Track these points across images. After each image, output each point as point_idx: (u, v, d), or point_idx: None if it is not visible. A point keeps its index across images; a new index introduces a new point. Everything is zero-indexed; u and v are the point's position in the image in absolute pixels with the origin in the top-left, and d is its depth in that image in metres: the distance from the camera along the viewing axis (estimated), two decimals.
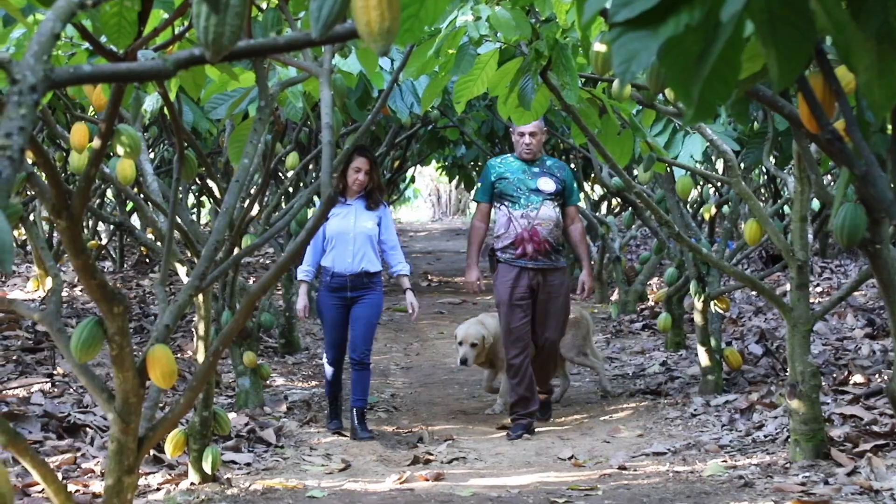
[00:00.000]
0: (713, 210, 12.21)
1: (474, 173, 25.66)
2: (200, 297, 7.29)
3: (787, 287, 8.45)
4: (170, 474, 8.02)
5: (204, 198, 22.78)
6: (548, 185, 10.15)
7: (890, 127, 3.25)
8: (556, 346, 10.41)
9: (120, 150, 4.83)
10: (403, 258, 10.29)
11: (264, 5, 5.49)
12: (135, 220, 20.44)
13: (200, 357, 7.49)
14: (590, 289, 10.42)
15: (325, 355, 10.14)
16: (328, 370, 9.99)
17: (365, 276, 9.90)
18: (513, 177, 10.17)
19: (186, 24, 4.69)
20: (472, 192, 26.97)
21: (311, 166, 14.26)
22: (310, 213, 12.85)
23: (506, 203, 10.19)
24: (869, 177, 3.05)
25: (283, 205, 13.40)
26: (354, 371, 9.90)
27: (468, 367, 10.90)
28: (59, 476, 5.49)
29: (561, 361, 11.06)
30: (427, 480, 8.30)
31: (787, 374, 8.73)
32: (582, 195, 20.13)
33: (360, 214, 9.94)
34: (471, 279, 10.32)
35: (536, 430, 10.02)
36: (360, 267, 9.87)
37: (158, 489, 7.75)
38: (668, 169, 10.95)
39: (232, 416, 9.35)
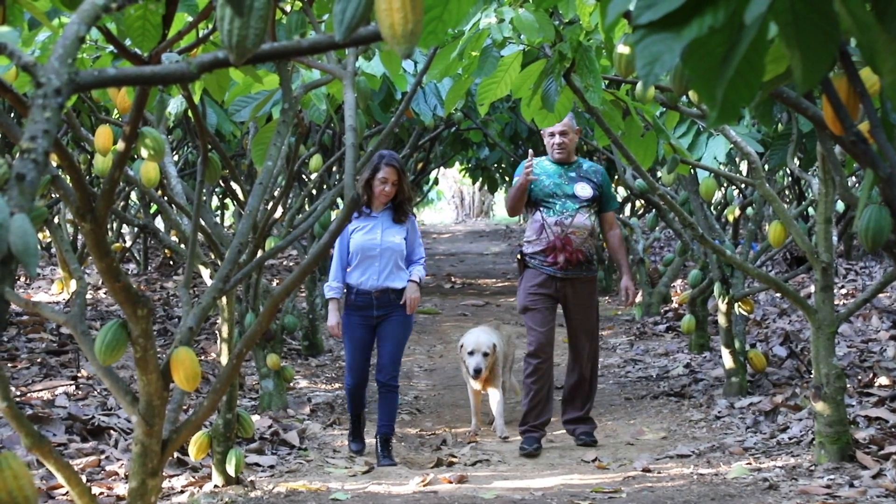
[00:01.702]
0: (737, 212, 12.18)
1: (498, 175, 25.63)
2: (224, 299, 7.30)
3: (812, 289, 8.43)
4: (193, 477, 8.03)
5: (228, 200, 22.82)
6: (584, 190, 9.56)
7: None
8: (592, 359, 9.79)
9: (144, 152, 4.83)
10: (423, 271, 9.42)
11: (288, 8, 5.49)
12: (159, 223, 20.51)
13: (224, 359, 7.50)
14: (633, 294, 9.88)
15: (345, 381, 9.46)
16: (349, 396, 9.38)
17: (392, 293, 9.18)
18: (548, 180, 9.56)
19: (210, 27, 4.71)
20: (503, 190, 26.88)
21: (334, 168, 14.26)
22: (333, 215, 12.86)
23: (541, 208, 9.55)
24: (894, 179, 3.04)
25: (306, 207, 13.39)
26: (381, 395, 9.21)
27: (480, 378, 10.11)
28: (83, 479, 5.51)
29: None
30: (450, 483, 8.29)
31: (811, 376, 8.70)
32: None
33: (388, 228, 9.22)
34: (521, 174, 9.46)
35: (558, 432, 9.99)
36: (387, 284, 9.17)
37: (182, 492, 7.76)
38: (692, 171, 10.94)
39: (255, 418, 9.37)
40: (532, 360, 9.59)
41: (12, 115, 10.60)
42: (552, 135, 9.61)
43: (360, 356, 9.24)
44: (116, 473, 7.87)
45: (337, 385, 12.03)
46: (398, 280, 9.23)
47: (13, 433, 7.91)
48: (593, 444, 9.58)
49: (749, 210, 12.52)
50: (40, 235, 19.94)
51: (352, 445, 9.45)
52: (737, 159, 13.94)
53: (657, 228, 18.03)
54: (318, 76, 6.33)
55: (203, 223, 7.27)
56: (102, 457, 8.22)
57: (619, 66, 5.34)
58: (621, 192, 22.73)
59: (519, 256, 9.87)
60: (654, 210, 15.50)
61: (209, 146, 5.57)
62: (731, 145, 8.62)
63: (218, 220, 21.60)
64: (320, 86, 6.07)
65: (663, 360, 13.37)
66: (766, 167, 10.20)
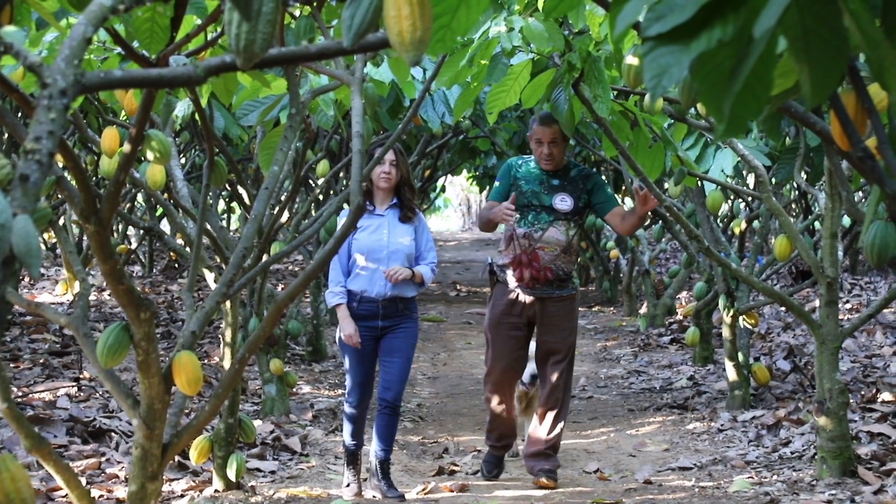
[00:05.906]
0: (743, 225, 12.18)
1: None
2: (228, 303, 7.29)
3: (817, 303, 8.42)
4: (194, 481, 8.03)
5: (234, 204, 22.83)
6: (564, 203, 8.44)
7: None
8: (562, 388, 8.66)
9: (150, 155, 4.84)
10: (430, 273, 8.31)
11: (297, 13, 5.49)
12: (164, 226, 20.51)
13: (227, 364, 7.50)
14: (649, 196, 8.11)
15: (346, 399, 8.34)
16: (350, 419, 8.26)
17: (400, 301, 8.17)
18: (527, 187, 8.52)
19: (219, 30, 4.70)
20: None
21: (341, 174, 14.25)
22: (339, 220, 12.86)
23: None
24: None
25: (312, 212, 13.38)
26: (382, 416, 8.20)
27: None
28: (83, 481, 5.51)
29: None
30: (451, 491, 8.28)
31: (814, 390, 8.69)
32: None
33: (394, 228, 8.23)
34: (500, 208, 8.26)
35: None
36: (396, 292, 8.12)
37: (182, 496, 7.75)
38: (699, 183, 10.92)
39: (257, 423, 9.36)
40: (487, 391, 8.83)
41: (18, 115, 10.60)
42: (541, 143, 8.47)
43: (367, 371, 8.25)
44: (117, 476, 7.86)
45: (340, 391, 12.01)
46: (407, 288, 8.21)
47: (13, 434, 7.90)
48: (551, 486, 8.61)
49: (755, 223, 12.53)
50: (45, 236, 19.94)
51: (347, 490, 8.30)
52: (744, 172, 13.93)
53: (663, 240, 17.99)
54: (326, 81, 6.33)
55: (208, 227, 7.27)
56: (103, 459, 8.21)
57: (627, 77, 5.34)
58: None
59: (490, 268, 8.83)
60: (660, 221, 15.47)
61: (216, 150, 5.57)
62: (739, 158, 8.60)
63: (223, 223, 21.61)
64: (328, 91, 6.06)
65: (667, 371, 13.36)
66: (773, 181, 10.20)
